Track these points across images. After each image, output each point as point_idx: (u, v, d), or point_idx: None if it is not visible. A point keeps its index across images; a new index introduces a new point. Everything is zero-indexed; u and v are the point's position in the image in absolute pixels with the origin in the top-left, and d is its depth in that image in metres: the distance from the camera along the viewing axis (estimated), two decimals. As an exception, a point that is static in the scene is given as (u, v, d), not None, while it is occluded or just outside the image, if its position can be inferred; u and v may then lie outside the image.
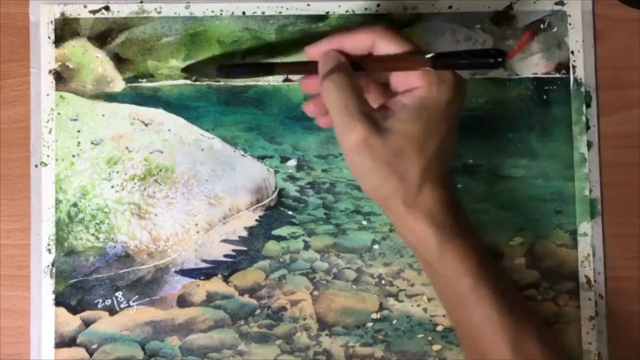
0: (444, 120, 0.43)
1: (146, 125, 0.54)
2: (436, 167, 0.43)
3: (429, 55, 0.43)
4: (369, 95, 0.46)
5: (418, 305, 0.53)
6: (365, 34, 0.44)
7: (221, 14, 0.55)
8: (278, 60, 0.54)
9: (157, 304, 0.53)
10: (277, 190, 0.54)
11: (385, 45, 0.44)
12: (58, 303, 0.53)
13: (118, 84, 0.54)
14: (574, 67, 0.54)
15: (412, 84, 0.43)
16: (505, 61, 0.42)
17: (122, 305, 0.53)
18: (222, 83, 0.55)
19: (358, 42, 0.44)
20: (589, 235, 0.53)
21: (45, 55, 0.54)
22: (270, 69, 0.50)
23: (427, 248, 0.44)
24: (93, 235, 0.53)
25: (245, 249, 0.54)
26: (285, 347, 0.53)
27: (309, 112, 0.49)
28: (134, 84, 0.54)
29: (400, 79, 0.44)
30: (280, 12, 0.55)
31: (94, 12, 0.54)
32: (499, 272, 0.48)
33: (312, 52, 0.46)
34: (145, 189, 0.54)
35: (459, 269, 0.44)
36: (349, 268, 0.54)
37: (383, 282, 0.54)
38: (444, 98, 0.43)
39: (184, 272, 0.53)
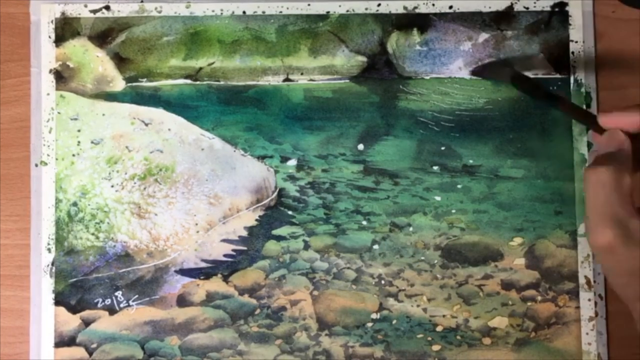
0: None
1: (146, 124, 0.54)
2: None
3: None
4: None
5: (418, 306, 0.53)
6: None
7: (221, 13, 0.55)
8: (277, 59, 0.55)
9: (157, 303, 0.53)
10: (277, 190, 0.54)
11: None
12: (58, 302, 0.53)
13: (118, 84, 0.54)
14: (574, 67, 0.54)
15: None
16: None
17: (121, 305, 0.53)
18: (222, 82, 0.55)
19: None
20: (589, 236, 0.53)
21: (45, 54, 0.54)
22: (555, 102, 0.48)
23: None
24: (93, 234, 0.53)
25: (245, 248, 0.54)
26: (285, 347, 0.53)
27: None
28: (134, 84, 0.54)
29: None
30: (281, 12, 0.55)
31: (94, 11, 0.54)
32: None
33: (605, 122, 0.43)
34: (145, 188, 0.54)
35: None
36: (348, 268, 0.54)
37: (383, 282, 0.54)
38: None
39: (184, 272, 0.53)
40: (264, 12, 0.54)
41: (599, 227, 0.39)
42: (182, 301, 0.53)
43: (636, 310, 0.41)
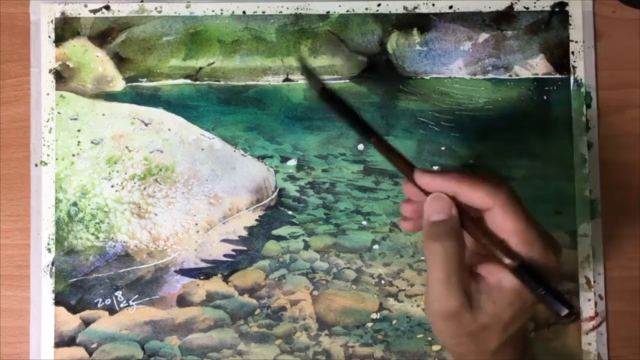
0: (533, 305, 0.41)
1: (146, 124, 0.54)
2: (515, 336, 0.42)
3: (512, 263, 0.39)
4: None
5: (418, 306, 0.53)
6: (488, 195, 0.39)
7: (221, 13, 0.55)
8: (277, 59, 0.55)
9: (157, 303, 0.53)
10: (277, 190, 0.54)
11: (501, 216, 0.39)
12: (58, 302, 0.53)
13: (118, 84, 0.54)
14: (574, 67, 0.54)
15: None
16: (573, 322, 0.40)
17: (121, 305, 0.53)
18: (222, 82, 0.55)
19: (475, 199, 0.40)
20: (588, 236, 0.53)
21: (45, 54, 0.54)
22: (365, 131, 0.43)
23: None
24: (93, 234, 0.53)
25: (245, 248, 0.54)
26: (285, 347, 0.53)
27: (405, 213, 0.45)
28: (134, 84, 0.54)
29: (496, 233, 0.41)
30: (281, 12, 0.55)
31: (94, 11, 0.54)
32: None
33: (424, 181, 0.41)
34: (145, 188, 0.54)
35: None
36: (348, 268, 0.54)
37: (383, 282, 0.54)
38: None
39: (184, 272, 0.53)
40: (264, 12, 0.54)
41: (446, 295, 0.39)
42: (182, 301, 0.53)
43: None
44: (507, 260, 0.39)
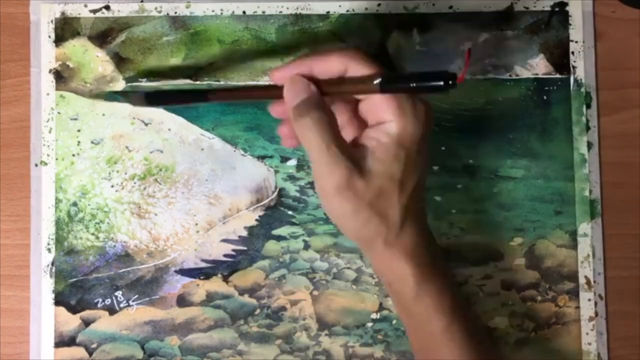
0: (420, 155, 0.42)
1: (146, 124, 0.54)
2: (415, 202, 0.42)
3: (376, 81, 0.40)
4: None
5: (418, 305, 0.53)
6: (338, 58, 0.41)
7: (221, 13, 0.55)
8: (277, 59, 0.54)
9: (157, 303, 0.53)
10: (277, 190, 0.54)
11: (357, 69, 0.41)
12: (58, 302, 0.53)
13: (118, 84, 0.54)
14: (574, 67, 0.54)
15: (383, 118, 0.41)
16: (455, 84, 0.38)
17: (121, 305, 0.53)
18: (222, 82, 0.55)
19: (330, 67, 0.42)
20: (588, 236, 0.53)
21: (45, 54, 0.54)
22: (202, 97, 0.48)
23: (404, 286, 0.42)
24: (93, 234, 0.53)
25: (245, 248, 0.54)
26: (285, 347, 0.53)
27: (283, 135, 0.46)
28: (134, 84, 0.54)
29: (369, 112, 0.42)
30: (281, 12, 0.55)
31: (94, 11, 0.54)
32: (470, 312, 0.47)
33: (278, 77, 0.43)
34: (145, 188, 0.54)
35: (433, 308, 0.42)
36: (348, 268, 0.54)
37: (383, 282, 0.54)
38: (419, 134, 0.41)
39: (184, 272, 0.53)
40: (264, 12, 0.54)
41: (331, 166, 0.39)
42: (182, 301, 0.53)
43: (377, 249, 0.42)
44: (374, 81, 0.40)
